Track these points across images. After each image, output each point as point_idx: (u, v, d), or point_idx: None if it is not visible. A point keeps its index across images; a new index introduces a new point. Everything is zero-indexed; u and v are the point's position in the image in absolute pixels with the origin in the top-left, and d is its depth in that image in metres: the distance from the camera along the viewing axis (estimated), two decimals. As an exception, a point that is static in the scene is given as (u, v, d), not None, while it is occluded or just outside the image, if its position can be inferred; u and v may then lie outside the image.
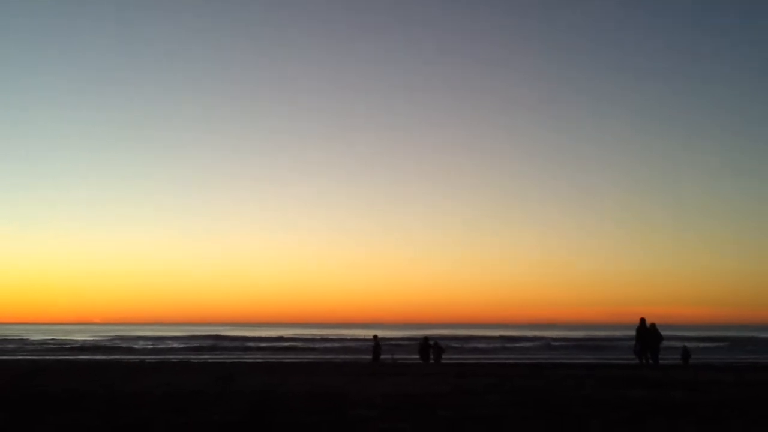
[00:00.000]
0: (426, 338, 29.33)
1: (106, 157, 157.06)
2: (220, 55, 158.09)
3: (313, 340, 69.07)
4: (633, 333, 24.58)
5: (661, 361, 24.35)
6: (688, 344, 37.72)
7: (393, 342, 55.87)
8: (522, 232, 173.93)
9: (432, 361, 27.33)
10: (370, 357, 29.50)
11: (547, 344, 62.01)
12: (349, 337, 72.87)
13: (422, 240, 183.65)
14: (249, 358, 40.00)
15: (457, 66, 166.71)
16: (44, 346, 56.05)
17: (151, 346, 58.84)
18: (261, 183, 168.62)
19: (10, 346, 55.49)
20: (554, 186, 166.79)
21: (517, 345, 61.33)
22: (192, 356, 42.73)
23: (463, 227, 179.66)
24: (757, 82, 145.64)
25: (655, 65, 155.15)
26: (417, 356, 28.90)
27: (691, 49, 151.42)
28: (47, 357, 38.78)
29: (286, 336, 77.09)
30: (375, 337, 30.26)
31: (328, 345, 58.02)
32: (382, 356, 29.11)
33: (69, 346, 56.03)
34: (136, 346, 58.46)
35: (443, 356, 28.45)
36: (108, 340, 68.88)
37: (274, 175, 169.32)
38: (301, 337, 75.69)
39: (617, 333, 79.04)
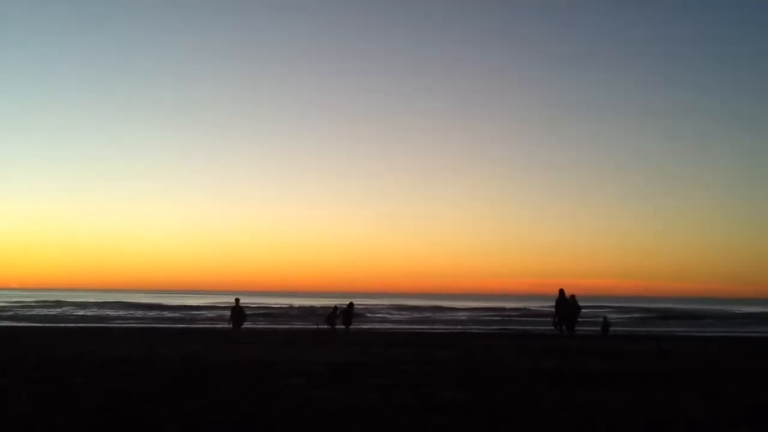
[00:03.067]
0: (335, 307, 28.53)
1: (28, 118, 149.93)
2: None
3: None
4: (553, 304, 25.36)
5: (579, 332, 25.29)
6: (608, 315, 39.29)
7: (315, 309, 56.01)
8: (444, 203, 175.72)
9: (341, 327, 26.84)
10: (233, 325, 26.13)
11: (468, 314, 63.23)
12: (273, 305, 72.69)
13: (345, 209, 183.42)
14: (178, 325, 39.47)
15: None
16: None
17: (71, 313, 57.28)
18: (185, 147, 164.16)
19: None
20: (478, 158, 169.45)
21: (440, 315, 62.17)
22: (114, 323, 41.87)
23: (384, 196, 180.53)
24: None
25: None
26: (326, 325, 27.73)
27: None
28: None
29: (217, 304, 76.03)
30: (237, 300, 26.64)
31: (259, 312, 57.64)
32: (320, 326, 27.82)
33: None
34: (54, 312, 56.82)
35: (353, 321, 27.83)
36: (25, 306, 66.49)
37: (202, 140, 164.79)
38: (228, 305, 74.63)
39: (538, 304, 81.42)
